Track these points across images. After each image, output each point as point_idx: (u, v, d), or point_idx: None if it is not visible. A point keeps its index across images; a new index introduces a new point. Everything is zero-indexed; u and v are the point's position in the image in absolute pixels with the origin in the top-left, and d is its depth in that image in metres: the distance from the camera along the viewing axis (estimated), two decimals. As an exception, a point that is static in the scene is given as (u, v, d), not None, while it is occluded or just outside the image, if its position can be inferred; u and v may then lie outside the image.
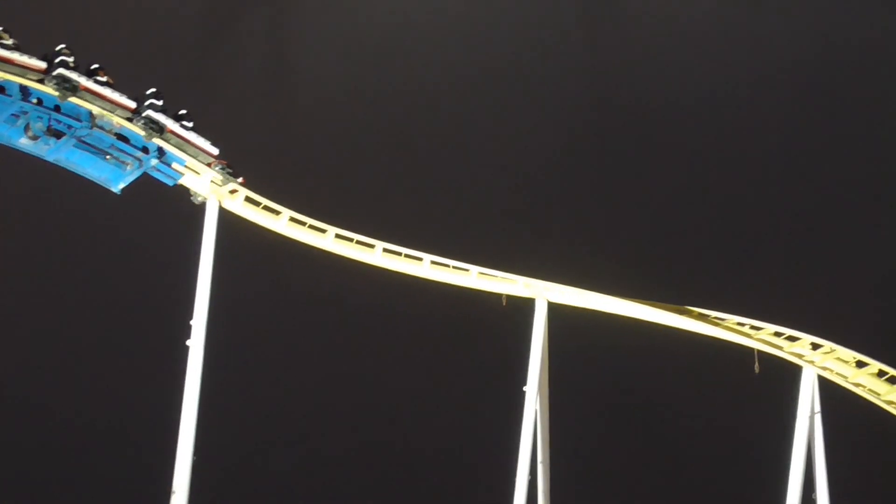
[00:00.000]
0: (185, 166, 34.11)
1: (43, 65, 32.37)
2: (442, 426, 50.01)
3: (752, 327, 35.71)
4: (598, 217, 57.43)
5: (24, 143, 32.46)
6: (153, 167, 33.74)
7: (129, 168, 33.61)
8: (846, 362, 35.40)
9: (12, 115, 32.07)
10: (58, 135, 32.62)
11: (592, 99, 60.77)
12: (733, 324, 35.85)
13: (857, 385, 35.19)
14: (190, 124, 34.31)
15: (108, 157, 33.41)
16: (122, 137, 33.39)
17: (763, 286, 52.74)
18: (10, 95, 31.87)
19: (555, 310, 36.31)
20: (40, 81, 32.31)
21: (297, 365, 51.26)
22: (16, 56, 32.12)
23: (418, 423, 50.26)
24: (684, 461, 48.72)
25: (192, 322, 33.55)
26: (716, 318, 35.98)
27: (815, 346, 35.40)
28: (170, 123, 33.85)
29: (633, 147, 59.66)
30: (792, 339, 35.52)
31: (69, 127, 32.65)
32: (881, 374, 35.05)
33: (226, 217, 34.55)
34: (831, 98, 59.23)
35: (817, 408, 34.90)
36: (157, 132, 33.60)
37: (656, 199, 57.81)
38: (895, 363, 35.06)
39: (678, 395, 50.05)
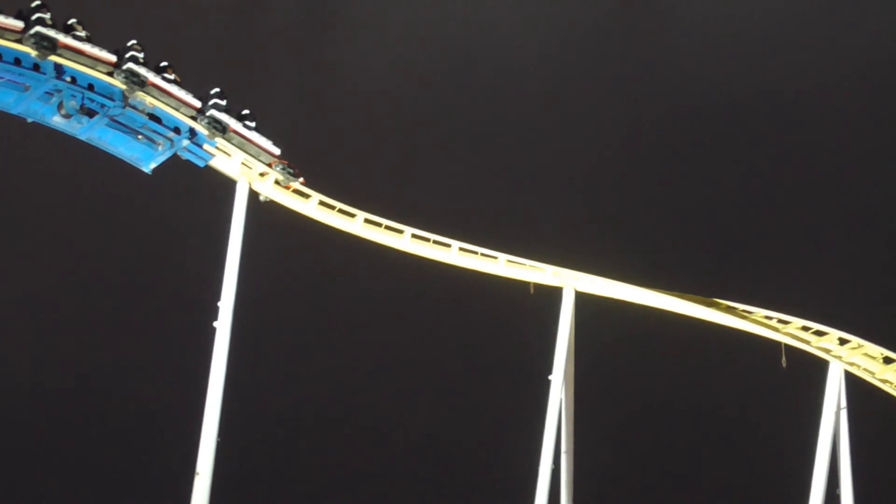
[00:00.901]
0: (217, 148, 34.22)
1: (113, 58, 32.82)
2: (466, 413, 50.04)
3: (780, 321, 35.51)
4: (625, 208, 57.33)
5: (57, 121, 32.65)
6: (184, 148, 33.89)
7: (160, 148, 33.75)
8: (874, 358, 35.13)
9: (46, 92, 32.27)
10: (91, 113, 32.79)
11: (624, 91, 60.65)
12: (761, 317, 35.66)
13: (885, 381, 34.89)
14: (252, 124, 34.75)
15: (139, 136, 33.59)
16: (154, 117, 33.56)
17: (792, 280, 52.55)
18: (45, 73, 32.06)
19: (581, 299, 36.23)
20: (109, 74, 32.75)
21: (323, 349, 51.39)
22: (87, 47, 32.48)
23: (442, 409, 50.32)
24: (709, 453, 48.62)
25: (219, 304, 33.67)
26: (743, 311, 35.82)
27: (843, 342, 35.18)
28: (233, 123, 34.25)
29: (664, 139, 59.50)
30: (819, 333, 35.31)
31: (102, 106, 32.83)
32: (909, 370, 34.84)
33: (256, 199, 34.65)
34: (867, 92, 58.94)
35: (844, 403, 34.70)
36: (220, 132, 33.91)
37: (686, 191, 57.65)
38: (923, 360, 34.81)
39: (704, 388, 49.92)
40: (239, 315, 33.81)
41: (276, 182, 34.89)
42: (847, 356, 34.89)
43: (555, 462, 35.86)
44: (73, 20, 32.79)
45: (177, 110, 33.60)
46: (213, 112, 33.98)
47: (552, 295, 36.24)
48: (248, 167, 34.54)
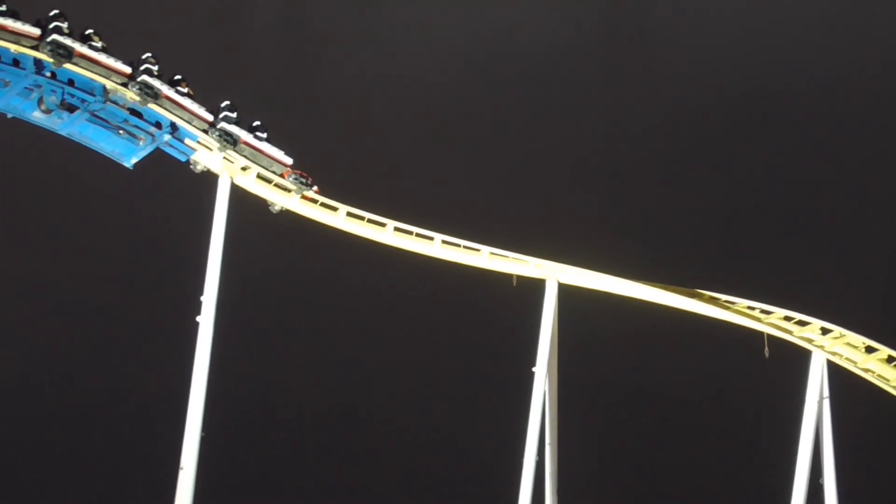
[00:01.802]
0: (198, 142, 34.20)
1: (128, 70, 33.25)
2: (450, 406, 50.09)
3: (762, 311, 35.64)
4: (607, 200, 57.39)
5: (37, 116, 32.61)
6: (166, 142, 33.86)
7: (141, 143, 33.74)
8: (856, 347, 35.29)
9: (26, 88, 32.22)
10: (71, 109, 32.80)
11: (606, 85, 60.68)
12: (743, 308, 35.78)
13: (867, 370, 35.05)
14: (264, 135, 34.97)
15: (120, 131, 33.55)
16: (135, 112, 33.55)
17: (773, 270, 52.69)
18: (24, 69, 31.99)
19: (565, 291, 36.27)
20: (124, 85, 33.13)
21: (306, 343, 51.34)
22: (102, 57, 32.87)
23: (426, 401, 50.35)
24: (692, 444, 48.75)
25: (202, 298, 33.66)
26: (726, 301, 35.93)
27: (825, 331, 35.32)
28: (244, 135, 34.50)
29: (647, 133, 59.56)
30: (802, 323, 35.45)
31: (82, 101, 32.83)
32: (890, 359, 34.89)
33: (237, 193, 34.63)
34: (850, 85, 59.10)
35: (826, 393, 34.83)
36: (230, 144, 34.07)
37: (669, 184, 57.74)
38: (905, 349, 34.98)
39: (687, 378, 50.05)
40: (222, 309, 33.76)
41: (258, 176, 34.90)
42: (829, 346, 35.05)
43: (539, 453, 35.95)
44: (90, 30, 33.16)
45: (189, 123, 33.89)
46: (223, 125, 34.28)
47: (535, 287, 36.27)
48: (230, 161, 34.53)
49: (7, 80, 31.92)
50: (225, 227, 33.99)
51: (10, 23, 31.86)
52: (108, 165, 33.96)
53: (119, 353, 50.21)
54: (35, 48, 32.13)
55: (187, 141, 34.12)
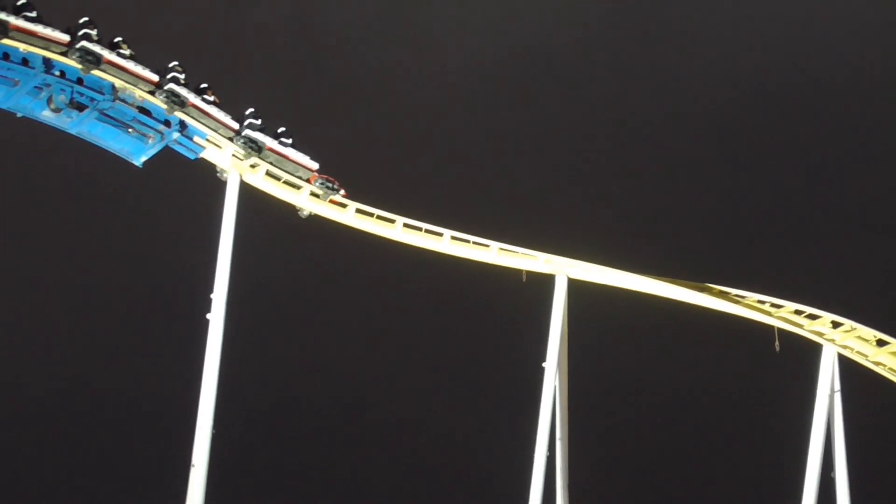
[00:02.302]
0: (207, 140, 34.25)
1: (155, 77, 33.55)
2: (461, 402, 50.10)
3: (773, 305, 35.58)
4: (616, 195, 57.34)
5: (46, 115, 32.64)
6: (175, 140, 33.93)
7: (150, 141, 33.78)
8: (866, 341, 35.23)
9: (35, 87, 32.24)
10: (80, 107, 32.83)
11: (615, 79, 60.61)
12: (753, 301, 35.73)
13: (878, 364, 35.00)
14: (289, 141, 35.24)
15: (130, 130, 33.60)
16: (144, 111, 33.61)
17: (783, 264, 52.61)
18: (34, 68, 32.01)
19: (574, 286, 36.25)
20: (151, 93, 33.42)
21: (316, 339, 51.38)
22: (130, 65, 33.14)
23: (437, 398, 50.36)
24: (703, 438, 48.71)
25: (212, 296, 33.69)
26: (736, 295, 35.87)
27: (836, 325, 35.25)
28: (269, 141, 34.76)
29: (654, 125, 59.47)
30: (812, 317, 35.38)
31: (92, 100, 32.86)
32: (901, 352, 34.91)
33: (247, 191, 34.67)
34: (858, 81, 58.98)
35: (837, 386, 34.77)
36: (256, 151, 34.35)
37: (677, 177, 57.67)
38: (916, 342, 34.90)
39: (697, 373, 50.00)
40: (232, 306, 33.79)
41: (267, 174, 34.95)
42: (840, 339, 34.98)
43: (550, 449, 35.94)
44: (118, 38, 33.39)
45: (216, 132, 34.13)
46: (248, 132, 34.50)
47: (545, 282, 36.26)
48: (239, 158, 34.56)
49: (16, 79, 31.94)
50: (234, 224, 34.03)
51: (40, 28, 32.10)
52: (118, 164, 34.00)
53: (130, 350, 50.29)
54: (64, 54, 32.38)
55: (196, 139, 34.15)
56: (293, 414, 49.60)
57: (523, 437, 36.37)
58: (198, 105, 33.97)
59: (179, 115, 33.64)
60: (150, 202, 51.24)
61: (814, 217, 56.01)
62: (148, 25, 53.95)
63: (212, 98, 34.28)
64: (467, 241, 36.11)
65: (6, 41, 31.60)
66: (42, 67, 32.10)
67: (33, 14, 32.12)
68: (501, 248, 36.10)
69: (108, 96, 32.96)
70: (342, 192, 35.45)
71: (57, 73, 32.39)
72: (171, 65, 33.94)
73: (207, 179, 34.80)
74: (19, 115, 32.58)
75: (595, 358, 42.02)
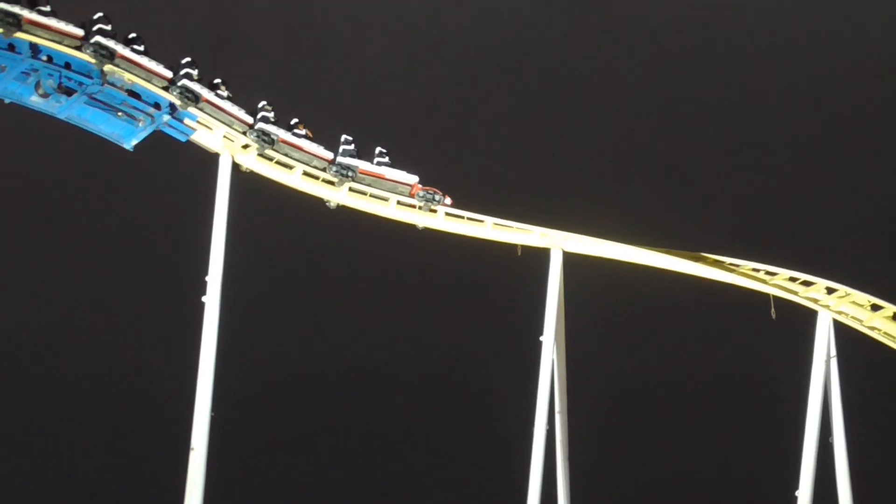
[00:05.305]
0: (198, 121, 34.18)
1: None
2: (459, 379, 50.18)
3: (768, 273, 35.66)
4: (611, 167, 57.34)
5: (35, 100, 32.55)
6: (165, 123, 33.87)
7: (141, 124, 33.73)
8: (861, 306, 35.32)
9: (23, 72, 32.13)
10: (69, 92, 32.76)
11: (609, 51, 60.51)
12: (748, 270, 35.80)
13: (873, 328, 35.08)
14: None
15: (119, 113, 33.53)
16: (133, 94, 33.52)
17: (776, 231, 52.68)
18: (20, 53, 31.90)
19: (570, 260, 36.26)
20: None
21: (312, 319, 51.38)
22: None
23: (434, 375, 50.43)
24: (700, 407, 48.86)
25: (207, 278, 33.66)
26: (731, 264, 35.95)
27: (830, 291, 35.35)
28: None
29: (644, 95, 59.39)
30: (807, 283, 35.48)
31: (80, 84, 32.77)
32: (896, 316, 35.00)
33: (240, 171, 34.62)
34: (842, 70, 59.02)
35: (833, 352, 34.86)
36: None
37: (669, 147, 57.67)
38: (911, 306, 35.00)
39: (695, 342, 50.08)
40: (227, 289, 33.77)
41: (259, 154, 34.91)
42: (835, 305, 35.08)
43: (549, 423, 36.02)
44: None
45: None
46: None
47: (541, 256, 36.27)
48: (230, 140, 34.51)
49: (3, 65, 31.85)
50: (228, 206, 33.98)
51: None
52: (108, 148, 33.91)
53: (125, 336, 50.24)
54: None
55: (187, 121, 34.08)
56: (291, 394, 49.63)
57: (523, 412, 36.44)
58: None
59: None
60: (142, 186, 51.12)
61: (807, 184, 56.05)
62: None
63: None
64: (462, 217, 36.12)
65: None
66: (29, 52, 32.01)
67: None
68: (496, 224, 36.12)
69: (96, 80, 32.88)
70: (448, 200, 35.78)
71: (44, 57, 32.32)
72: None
73: (199, 161, 34.74)
74: (7, 101, 32.48)
75: (594, 331, 42.06)
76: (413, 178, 35.74)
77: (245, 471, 44.25)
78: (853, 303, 35.33)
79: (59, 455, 46.86)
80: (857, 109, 57.53)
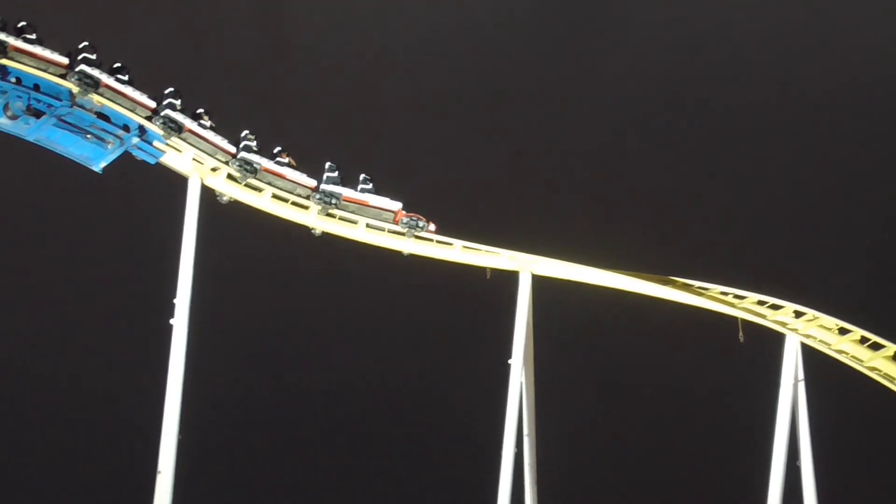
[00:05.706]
0: (167, 144, 34.12)
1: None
2: (428, 400, 50.13)
3: (736, 296, 35.73)
4: (580, 191, 57.56)
5: (3, 122, 32.45)
6: (134, 145, 33.79)
7: (110, 146, 33.62)
8: (829, 329, 35.38)
9: (-9, 94, 32.03)
10: (38, 114, 32.66)
11: (578, 71, 60.81)
12: (717, 293, 35.86)
13: (840, 352, 35.11)
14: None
15: (88, 135, 33.45)
16: (102, 116, 33.45)
17: (746, 255, 52.95)
18: (-12, 75, 31.83)
19: (539, 283, 36.30)
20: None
21: (281, 341, 51.29)
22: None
23: (403, 396, 50.38)
24: (669, 430, 48.96)
25: (175, 300, 33.56)
26: (699, 288, 36.00)
27: (798, 314, 35.43)
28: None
29: (614, 121, 59.73)
30: (775, 307, 35.57)
31: (49, 106, 32.69)
32: (863, 340, 35.00)
33: (209, 194, 34.55)
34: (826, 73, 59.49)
35: (801, 375, 34.96)
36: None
37: (639, 171, 57.96)
38: (877, 330, 35.15)
39: (662, 365, 50.26)
40: (196, 311, 33.67)
41: (229, 176, 34.87)
42: (803, 328, 35.14)
43: (517, 446, 35.99)
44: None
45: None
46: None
47: (509, 279, 36.30)
48: (200, 162, 34.47)
49: (-29, 88, 31.76)
50: (196, 228, 33.92)
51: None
52: (78, 169, 33.80)
53: (93, 357, 49.97)
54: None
55: (156, 143, 34.03)
56: (260, 417, 49.47)
57: (491, 434, 36.41)
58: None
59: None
60: (111, 207, 50.97)
61: (774, 207, 56.41)
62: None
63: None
64: (430, 240, 36.10)
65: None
66: (-3, 75, 31.97)
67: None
68: (465, 247, 36.09)
69: (65, 102, 32.81)
70: (432, 227, 35.68)
71: (13, 79, 32.24)
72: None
73: (168, 183, 34.67)
74: (-26, 123, 32.36)
75: (562, 354, 42.10)
76: (397, 205, 35.74)
77: (212, 494, 43.98)
78: (821, 326, 35.43)
79: (23, 476, 46.46)
80: (826, 136, 58.03)
